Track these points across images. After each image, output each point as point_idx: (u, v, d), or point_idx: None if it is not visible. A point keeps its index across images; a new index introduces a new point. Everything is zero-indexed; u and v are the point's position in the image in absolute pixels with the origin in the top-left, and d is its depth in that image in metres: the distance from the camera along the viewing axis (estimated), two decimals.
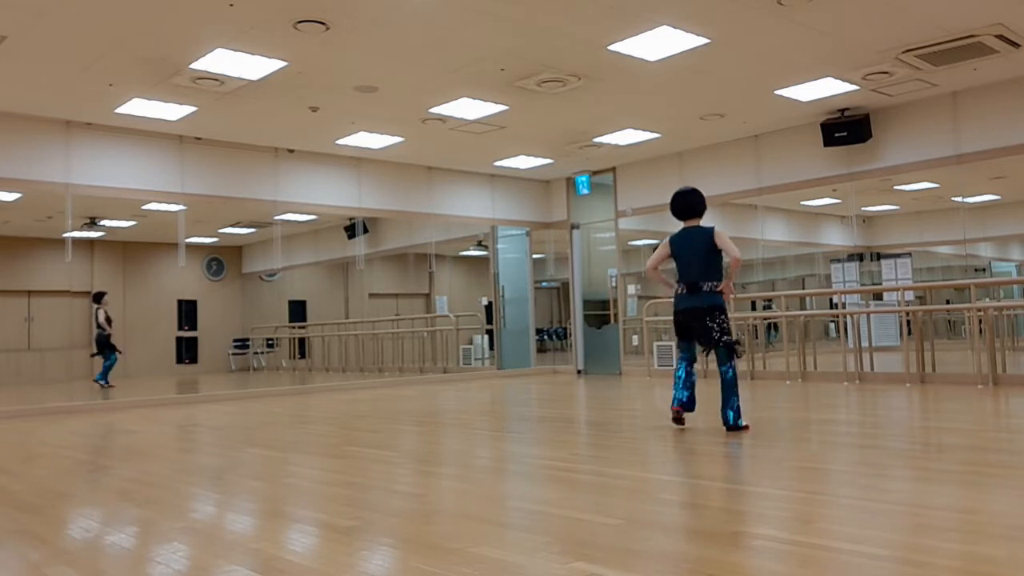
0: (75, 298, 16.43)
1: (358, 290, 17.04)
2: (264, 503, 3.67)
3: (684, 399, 5.60)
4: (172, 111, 9.02)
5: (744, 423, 5.54)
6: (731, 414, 5.47)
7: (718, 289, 5.55)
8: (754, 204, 11.48)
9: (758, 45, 7.54)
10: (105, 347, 12.46)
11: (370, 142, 10.77)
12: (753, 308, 12.40)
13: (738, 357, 5.60)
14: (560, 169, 12.93)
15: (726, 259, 5.63)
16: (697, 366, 5.89)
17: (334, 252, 15.79)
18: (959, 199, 9.85)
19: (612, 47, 7.44)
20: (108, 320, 12.45)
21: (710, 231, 5.57)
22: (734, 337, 5.59)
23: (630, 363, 12.50)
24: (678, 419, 5.64)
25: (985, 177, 9.77)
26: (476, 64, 7.83)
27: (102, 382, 12.45)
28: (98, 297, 12.66)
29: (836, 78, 8.56)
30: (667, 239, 5.78)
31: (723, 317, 5.55)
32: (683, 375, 5.66)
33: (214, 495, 3.91)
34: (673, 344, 11.72)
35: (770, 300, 11.98)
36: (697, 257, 5.55)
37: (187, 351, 17.58)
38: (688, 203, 5.68)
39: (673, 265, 5.78)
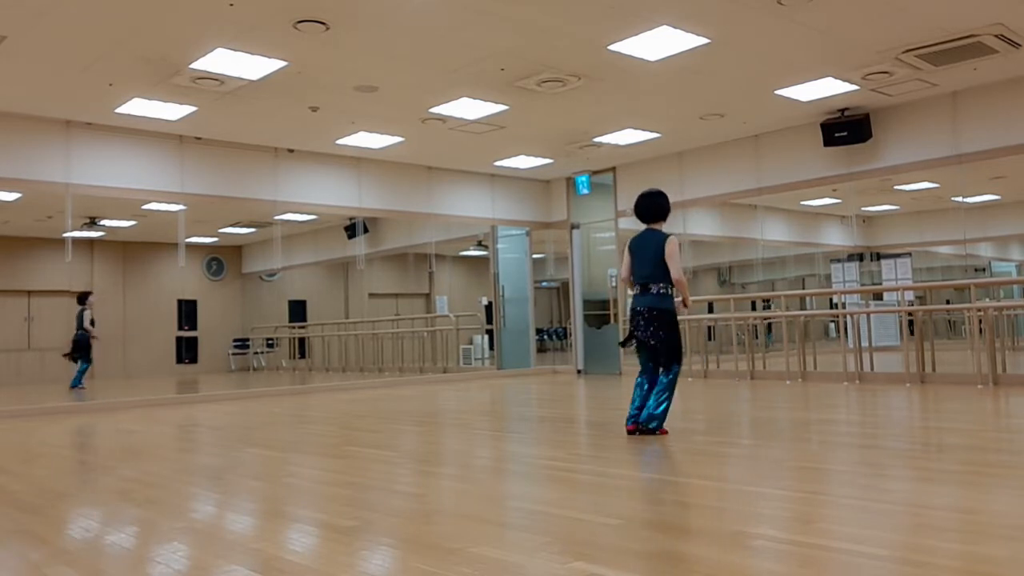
0: (75, 298, 16.41)
1: (358, 290, 17.04)
2: (264, 503, 3.67)
3: (634, 415, 5.48)
4: (172, 111, 9.02)
5: (663, 428, 5.43)
6: (656, 415, 5.34)
7: (665, 291, 5.44)
8: (754, 204, 11.48)
9: (758, 45, 7.54)
10: (84, 350, 12.38)
11: (370, 142, 10.77)
12: (753, 308, 12.40)
13: (677, 366, 5.51)
14: (560, 169, 12.93)
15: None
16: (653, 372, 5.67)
17: (334, 252, 15.79)
18: (959, 199, 9.85)
19: (612, 47, 7.44)
20: (92, 323, 12.43)
21: (663, 237, 5.46)
22: (681, 351, 5.50)
23: (630, 363, 12.50)
24: (632, 433, 5.49)
25: (985, 177, 9.77)
26: (476, 64, 7.83)
27: (80, 386, 12.42)
28: (83, 298, 12.59)
29: (836, 78, 8.56)
30: (628, 243, 5.68)
31: (668, 322, 5.42)
32: (640, 383, 5.55)
33: (214, 495, 3.91)
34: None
35: (769, 300, 11.98)
36: (648, 259, 5.47)
37: (187, 351, 17.58)
38: (652, 206, 5.60)
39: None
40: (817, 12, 6.77)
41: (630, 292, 5.74)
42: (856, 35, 7.33)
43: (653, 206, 5.60)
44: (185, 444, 5.95)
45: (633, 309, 5.54)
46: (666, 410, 5.42)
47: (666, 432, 5.43)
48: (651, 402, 5.41)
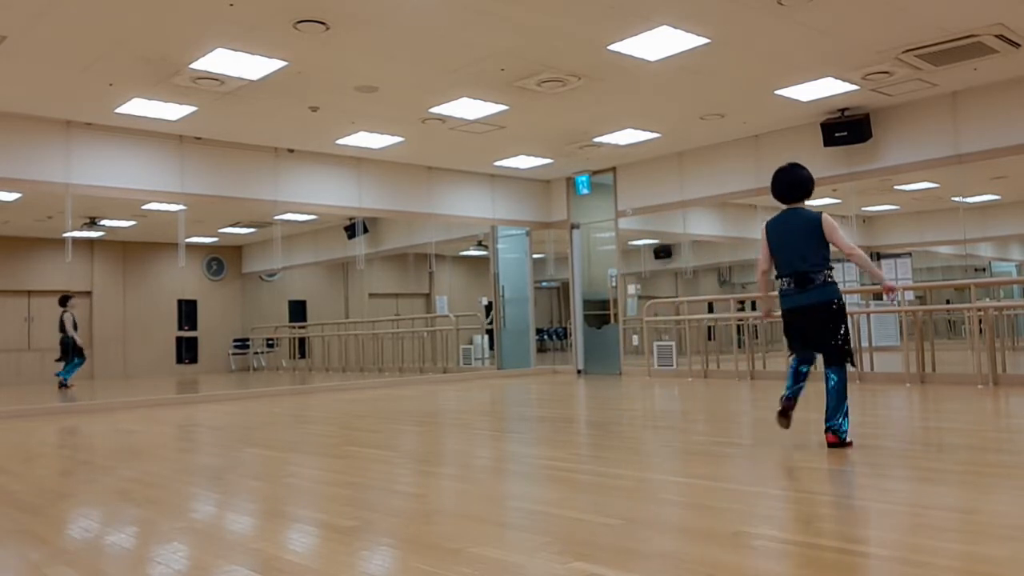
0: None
1: (358, 290, 17.04)
2: (264, 503, 3.67)
3: (791, 394, 4.74)
4: (172, 111, 9.02)
5: (849, 439, 4.70)
6: (842, 425, 4.61)
7: (832, 280, 4.66)
8: (754, 204, 11.48)
9: (758, 45, 7.54)
10: (73, 351, 12.60)
11: (370, 142, 10.77)
12: (754, 308, 12.39)
13: (852, 366, 4.79)
14: (560, 169, 12.93)
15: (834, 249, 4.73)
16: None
17: (334, 252, 15.79)
18: (959, 199, 9.84)
19: (612, 47, 7.43)
20: (75, 325, 12.61)
21: (818, 217, 4.66)
22: (849, 348, 4.74)
23: (630, 363, 12.50)
24: (784, 412, 4.76)
25: (985, 177, 9.77)
26: (476, 64, 7.83)
27: (65, 379, 12.61)
28: (65, 300, 12.73)
29: (836, 78, 8.56)
30: (764, 226, 4.87)
31: (842, 315, 4.66)
32: (794, 368, 4.80)
33: (214, 495, 3.91)
34: (673, 344, 11.72)
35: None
36: (801, 245, 4.64)
37: (187, 351, 17.57)
38: (794, 180, 4.76)
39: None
40: (817, 12, 6.77)
41: (769, 286, 4.91)
42: (856, 35, 7.33)
43: (795, 181, 4.76)
44: (185, 444, 5.95)
45: (791, 308, 4.71)
46: (844, 419, 4.63)
47: (850, 444, 4.66)
48: (827, 413, 4.64)
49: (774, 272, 4.88)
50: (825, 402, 4.68)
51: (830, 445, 4.63)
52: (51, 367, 15.80)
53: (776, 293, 4.90)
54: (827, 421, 4.65)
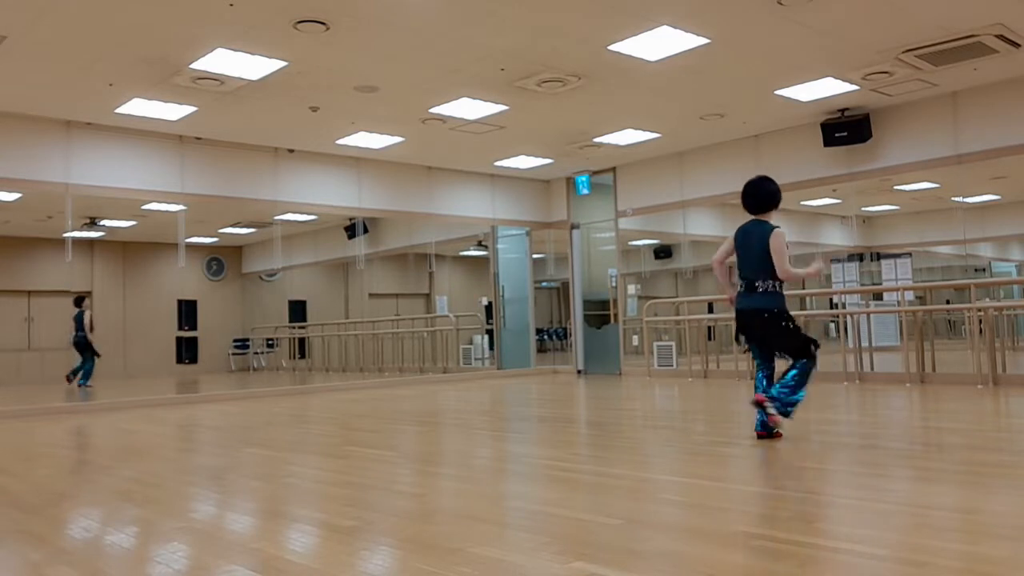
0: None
1: (358, 290, 17.04)
2: (264, 503, 3.67)
3: (760, 423, 5.01)
4: (172, 111, 9.01)
5: (778, 430, 4.92)
6: (783, 403, 4.84)
7: (774, 290, 5.00)
8: None
9: (758, 45, 7.54)
10: (88, 350, 12.77)
11: (370, 142, 10.77)
12: None
13: (814, 347, 5.00)
14: (560, 169, 12.93)
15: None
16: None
17: (334, 252, 15.78)
18: (959, 199, 9.85)
19: (612, 47, 7.44)
20: (91, 325, 12.84)
21: (768, 229, 5.01)
22: (810, 336, 5.05)
23: (630, 363, 12.50)
24: (764, 436, 5.02)
25: (985, 177, 9.77)
26: (476, 64, 7.83)
27: (87, 384, 12.68)
28: (80, 300, 12.87)
29: (836, 78, 8.56)
30: (734, 232, 5.27)
31: (785, 321, 5.00)
32: (760, 378, 5.12)
33: (214, 495, 3.91)
34: (673, 344, 11.72)
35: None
36: (752, 253, 5.02)
37: (187, 351, 17.57)
38: (758, 193, 5.14)
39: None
40: (817, 12, 6.77)
41: (717, 275, 5.29)
42: (856, 35, 7.33)
43: (759, 194, 5.11)
44: (185, 444, 5.95)
45: (738, 310, 5.11)
46: (788, 403, 4.84)
47: (780, 435, 4.93)
48: (774, 390, 4.90)
49: (731, 263, 5.29)
50: (776, 386, 4.91)
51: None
52: (51, 367, 15.81)
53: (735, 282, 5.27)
54: (772, 387, 4.92)
